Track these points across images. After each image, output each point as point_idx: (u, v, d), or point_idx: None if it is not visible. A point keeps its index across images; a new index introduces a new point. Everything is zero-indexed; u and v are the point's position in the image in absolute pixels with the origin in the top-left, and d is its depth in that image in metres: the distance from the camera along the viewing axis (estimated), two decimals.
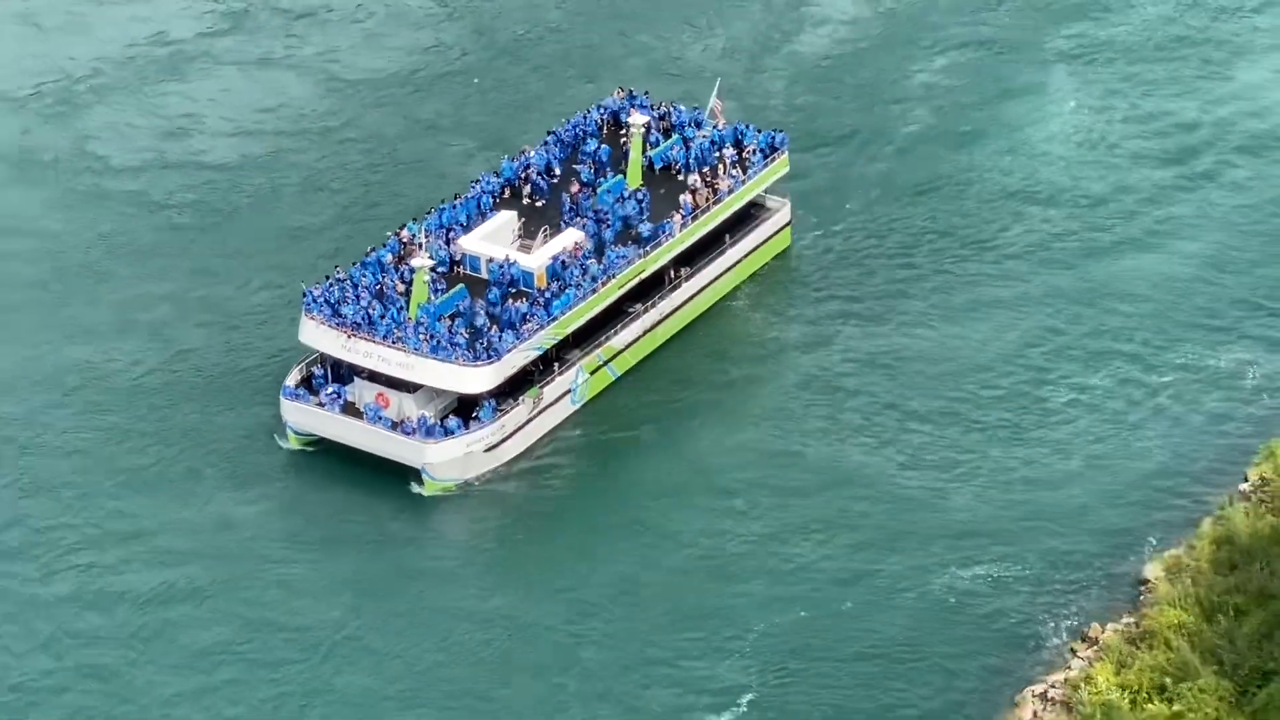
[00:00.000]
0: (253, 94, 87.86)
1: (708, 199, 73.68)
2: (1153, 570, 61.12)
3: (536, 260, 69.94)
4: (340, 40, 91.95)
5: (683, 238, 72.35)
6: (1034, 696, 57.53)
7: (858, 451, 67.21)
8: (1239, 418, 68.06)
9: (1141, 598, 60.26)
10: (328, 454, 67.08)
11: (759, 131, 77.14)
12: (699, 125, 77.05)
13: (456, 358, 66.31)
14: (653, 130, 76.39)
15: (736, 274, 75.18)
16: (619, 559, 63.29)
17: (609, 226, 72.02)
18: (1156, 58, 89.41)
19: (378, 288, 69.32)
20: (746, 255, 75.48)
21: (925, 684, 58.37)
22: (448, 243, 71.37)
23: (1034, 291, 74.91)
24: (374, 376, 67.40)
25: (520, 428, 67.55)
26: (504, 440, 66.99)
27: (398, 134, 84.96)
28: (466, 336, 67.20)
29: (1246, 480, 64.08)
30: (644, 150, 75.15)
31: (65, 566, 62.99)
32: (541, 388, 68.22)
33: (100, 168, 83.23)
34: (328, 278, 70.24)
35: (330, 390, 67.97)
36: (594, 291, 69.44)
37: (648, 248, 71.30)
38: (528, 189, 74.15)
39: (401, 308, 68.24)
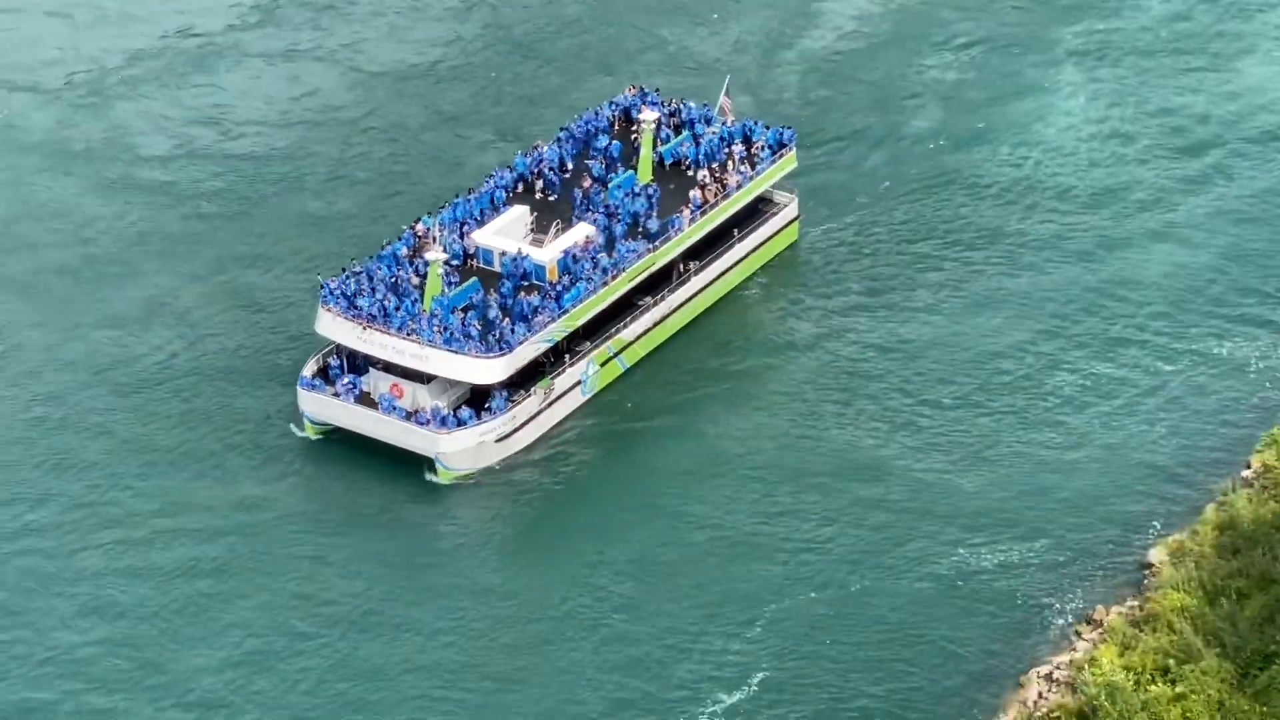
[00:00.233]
0: (279, 86, 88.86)
1: (716, 194, 74.11)
2: (1157, 555, 61.53)
3: (548, 254, 70.44)
4: (364, 33, 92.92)
5: (692, 232, 72.86)
6: (1039, 677, 57.94)
7: (868, 437, 67.79)
8: (1243, 406, 68.66)
9: (1145, 581, 60.76)
10: (344, 442, 67.60)
11: (767, 128, 77.70)
12: (709, 122, 77.67)
13: (469, 349, 66.69)
14: (663, 126, 76.97)
15: (745, 268, 75.67)
16: (630, 543, 63.92)
17: (619, 221, 72.43)
18: (1166, 53, 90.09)
19: (393, 280, 69.70)
20: (755, 249, 75.99)
21: (932, 664, 58.97)
22: (461, 236, 71.80)
23: (1042, 283, 75.42)
24: (389, 367, 67.79)
25: (532, 418, 67.96)
26: (516, 430, 67.44)
27: (419, 125, 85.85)
28: (479, 328, 67.68)
29: (1249, 467, 64.59)
30: (655, 146, 75.68)
31: (94, 544, 63.98)
32: (553, 379, 68.61)
33: (130, 157, 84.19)
34: (344, 270, 70.71)
35: (346, 381, 68.38)
36: (604, 285, 70.01)
37: (657, 242, 71.71)
38: (540, 184, 74.65)
39: (416, 300, 68.67)
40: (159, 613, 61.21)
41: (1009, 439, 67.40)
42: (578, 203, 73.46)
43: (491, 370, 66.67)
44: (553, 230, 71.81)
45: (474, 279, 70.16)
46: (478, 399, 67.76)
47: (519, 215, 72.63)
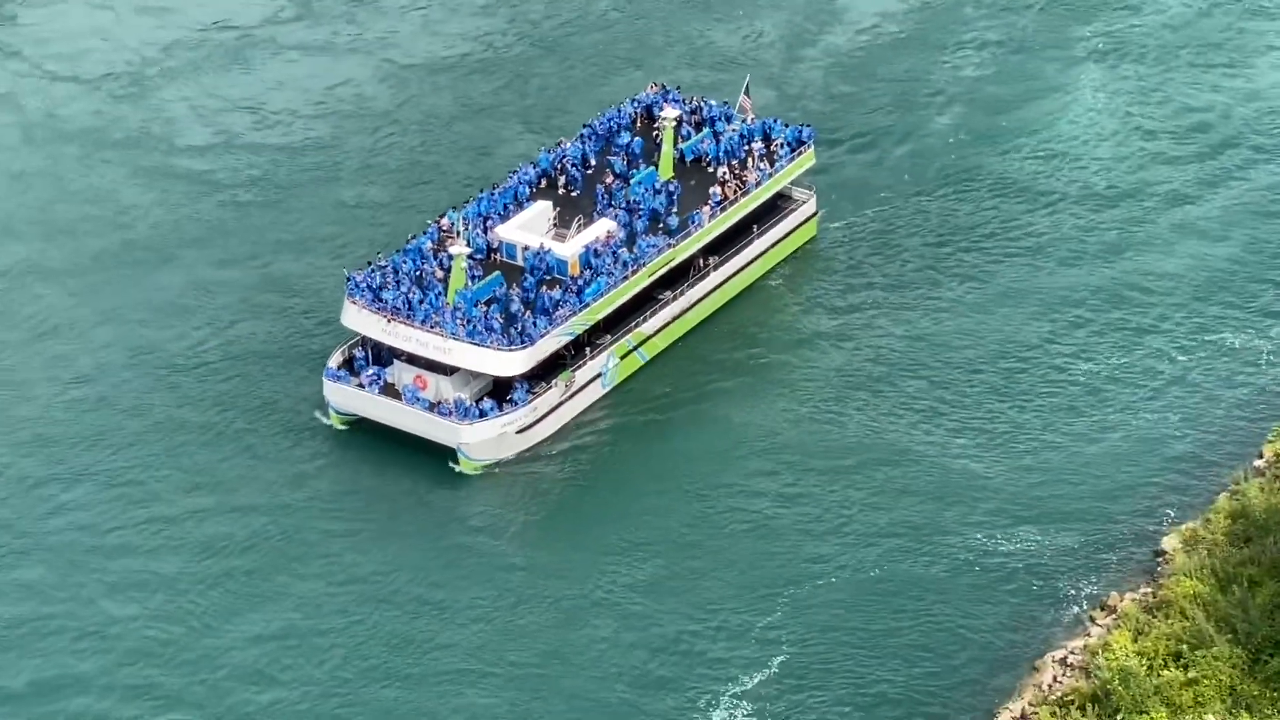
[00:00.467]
0: (314, 77, 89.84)
1: (736, 190, 74.65)
2: (1170, 542, 61.90)
3: (570, 249, 71.03)
4: (397, 27, 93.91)
5: (711, 228, 73.45)
6: (1054, 662, 58.41)
7: (888, 426, 68.40)
8: (1255, 397, 69.12)
9: (1159, 568, 61.15)
10: (370, 432, 68.44)
11: (786, 126, 78.17)
12: (729, 120, 78.19)
13: (492, 342, 67.29)
14: (684, 124, 77.51)
15: (763, 263, 76.23)
16: (651, 528, 64.61)
17: (640, 217, 73.11)
18: (1186, 51, 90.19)
19: (417, 274, 70.36)
20: (773, 245, 76.49)
21: (949, 647, 59.74)
22: (485, 231, 72.37)
23: (1062, 277, 75.93)
24: (413, 359, 68.34)
25: (553, 410, 68.59)
26: (537, 422, 68.11)
27: (450, 116, 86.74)
28: (502, 321, 68.12)
29: (1261, 457, 64.95)
30: (675, 143, 76.18)
31: (129, 521, 65.04)
32: (573, 371, 69.20)
33: (168, 147, 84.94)
34: (369, 263, 71.47)
35: (370, 372, 68.93)
36: (625, 279, 70.41)
37: (677, 237, 72.36)
38: (563, 180, 75.19)
39: (440, 293, 69.25)
40: (193, 588, 62.40)
41: (1028, 429, 68.15)
42: (600, 198, 74.06)
43: (513, 363, 67.36)
44: (575, 225, 72.52)
45: (497, 273, 70.89)
46: (500, 391, 68.35)
47: (542, 210, 73.28)
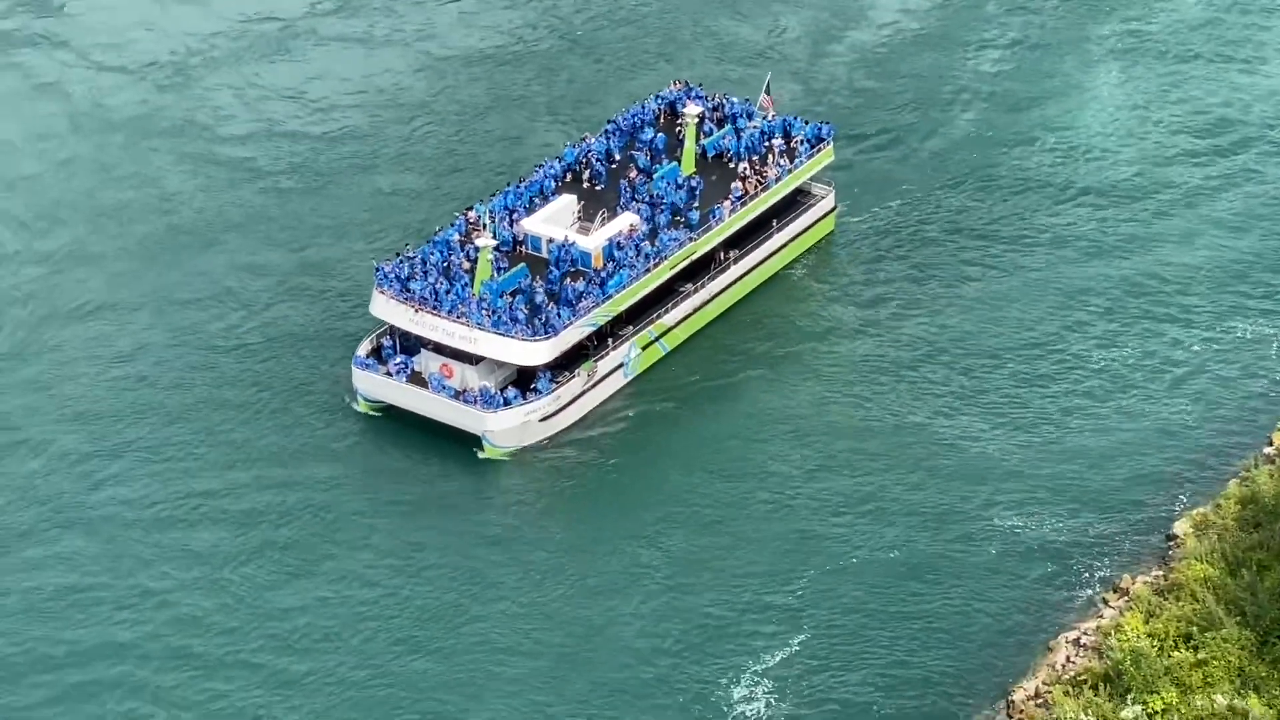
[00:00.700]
0: (353, 68, 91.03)
1: (756, 186, 75.43)
2: (1181, 527, 62.62)
3: (594, 241, 71.84)
4: (434, 20, 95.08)
5: (732, 222, 74.20)
6: (1067, 642, 59.25)
7: (910, 413, 69.07)
8: (1265, 387, 69.89)
9: (1170, 552, 61.90)
10: (398, 418, 69.62)
11: (806, 123, 78.99)
12: (750, 116, 79.05)
13: (516, 332, 68.24)
14: (706, 120, 78.20)
15: (783, 256, 77.06)
16: (671, 510, 65.37)
17: (663, 211, 73.89)
18: (1202, 50, 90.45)
19: (445, 265, 71.36)
20: (792, 239, 77.29)
21: (966, 626, 60.66)
22: (511, 224, 73.42)
23: (1080, 271, 76.89)
24: (439, 348, 69.20)
25: (575, 399, 69.56)
26: (560, 410, 69.09)
27: (484, 107, 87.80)
28: (526, 312, 69.07)
29: (1271, 444, 65.90)
30: (698, 139, 77.06)
31: (170, 496, 66.38)
32: (596, 361, 70.10)
33: (211, 135, 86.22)
34: (398, 254, 72.35)
35: (398, 361, 69.79)
36: (647, 272, 71.29)
37: (698, 231, 73.11)
38: (587, 174, 76.13)
39: (466, 284, 70.20)
40: (231, 560, 63.63)
41: (1046, 416, 68.94)
42: (623, 192, 74.80)
43: (537, 352, 68.25)
44: (599, 219, 73.30)
45: (522, 265, 71.74)
46: (524, 380, 69.21)
47: (567, 204, 73.97)
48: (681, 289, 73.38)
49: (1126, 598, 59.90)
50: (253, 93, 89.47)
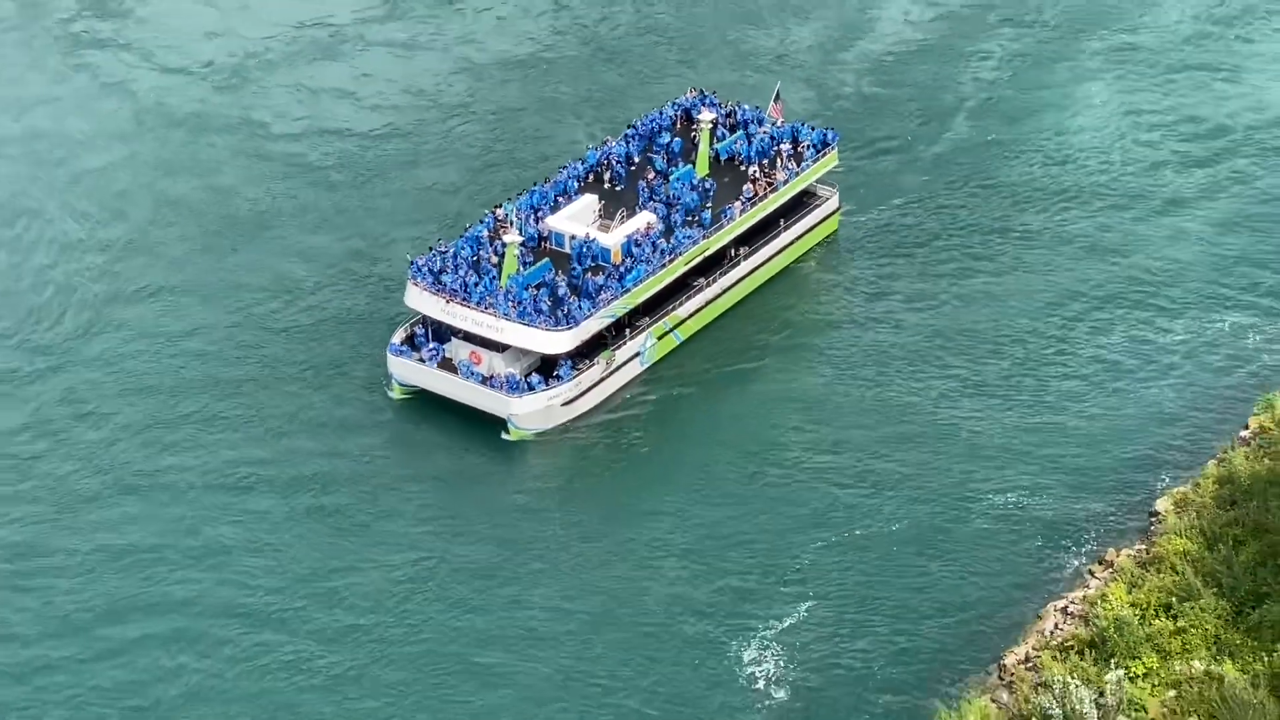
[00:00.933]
0: (399, 71, 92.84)
1: (765, 188, 77.54)
2: (1162, 504, 63.68)
3: (614, 238, 73.95)
4: (474, 27, 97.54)
5: (742, 221, 76.26)
6: (1055, 610, 60.43)
7: (914, 398, 70.46)
8: (1242, 373, 71.66)
9: (1152, 528, 63.15)
10: (429, 403, 71.65)
11: (813, 129, 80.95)
12: (760, 122, 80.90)
13: (540, 323, 70.21)
14: (720, 126, 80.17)
15: (789, 254, 79.16)
16: (686, 487, 66.90)
17: (678, 210, 75.97)
18: (1192, 62, 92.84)
19: (474, 259, 73.39)
20: (799, 238, 79.31)
21: (960, 597, 62.01)
22: (536, 221, 75.42)
23: (1073, 269, 78.03)
24: (468, 337, 71.14)
25: (595, 385, 71.51)
26: (580, 396, 71.05)
27: (519, 108, 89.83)
28: (549, 304, 70.95)
29: (1247, 428, 66.99)
30: (711, 143, 78.98)
31: (224, 463, 68.58)
32: (614, 350, 72.14)
33: (266, 133, 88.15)
34: (431, 249, 74.34)
35: (430, 348, 71.61)
36: (663, 267, 73.21)
37: (711, 230, 75.11)
38: (608, 175, 78.34)
39: (494, 277, 72.05)
40: (282, 523, 65.61)
41: (1039, 401, 70.33)
42: (641, 193, 76.89)
43: (559, 341, 70.22)
44: (618, 217, 75.34)
45: (546, 260, 73.74)
46: (547, 367, 71.03)
47: (588, 203, 76.08)
48: (695, 283, 75.33)
49: (1111, 570, 61.10)
50: (304, 93, 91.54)
